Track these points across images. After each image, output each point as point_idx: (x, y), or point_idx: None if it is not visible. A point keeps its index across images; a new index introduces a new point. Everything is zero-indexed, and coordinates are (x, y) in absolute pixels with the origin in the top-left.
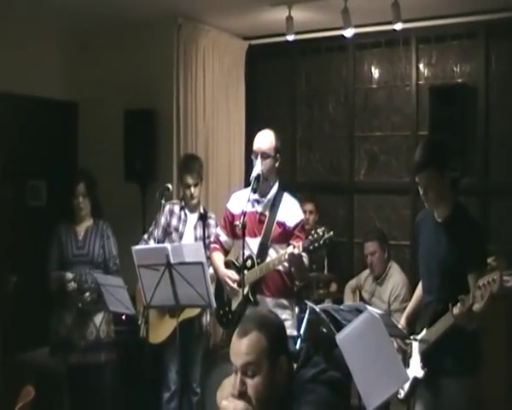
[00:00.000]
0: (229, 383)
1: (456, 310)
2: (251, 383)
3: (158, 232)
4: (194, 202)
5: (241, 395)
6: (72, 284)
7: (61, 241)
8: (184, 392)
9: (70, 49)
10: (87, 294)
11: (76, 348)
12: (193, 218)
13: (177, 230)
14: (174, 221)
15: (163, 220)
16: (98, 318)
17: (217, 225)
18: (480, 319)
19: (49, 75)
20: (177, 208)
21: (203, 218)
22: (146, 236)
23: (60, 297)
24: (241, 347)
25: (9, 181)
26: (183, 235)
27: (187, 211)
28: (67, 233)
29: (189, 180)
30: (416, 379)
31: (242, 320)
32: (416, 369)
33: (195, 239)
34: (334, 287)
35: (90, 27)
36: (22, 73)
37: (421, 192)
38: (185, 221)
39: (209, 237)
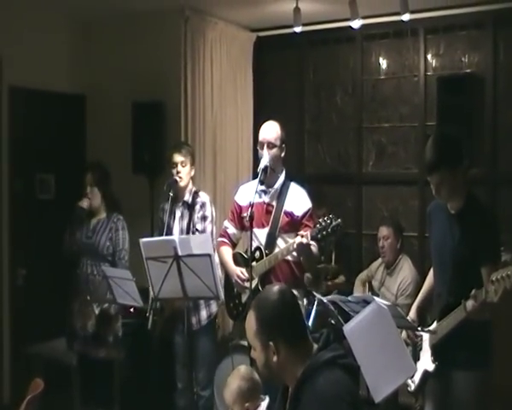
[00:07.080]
0: (233, 381)
1: (469, 306)
2: (254, 356)
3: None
4: (182, 184)
5: (253, 362)
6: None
7: (73, 225)
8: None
9: (77, 42)
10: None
11: (78, 337)
12: (179, 208)
13: (164, 222)
14: (166, 217)
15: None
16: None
17: (202, 208)
18: (492, 310)
19: (57, 68)
20: (167, 205)
21: (189, 206)
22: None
23: (72, 289)
24: (246, 323)
25: (18, 175)
26: (168, 225)
27: (174, 203)
28: (82, 221)
29: (177, 158)
30: (426, 373)
31: None
32: (426, 362)
33: (181, 232)
34: (341, 279)
35: (97, 19)
36: (29, 67)
37: (433, 191)
38: (172, 212)
39: (194, 225)
